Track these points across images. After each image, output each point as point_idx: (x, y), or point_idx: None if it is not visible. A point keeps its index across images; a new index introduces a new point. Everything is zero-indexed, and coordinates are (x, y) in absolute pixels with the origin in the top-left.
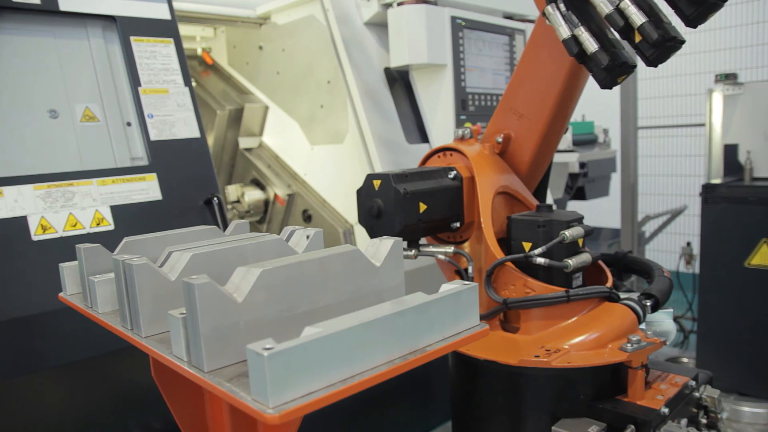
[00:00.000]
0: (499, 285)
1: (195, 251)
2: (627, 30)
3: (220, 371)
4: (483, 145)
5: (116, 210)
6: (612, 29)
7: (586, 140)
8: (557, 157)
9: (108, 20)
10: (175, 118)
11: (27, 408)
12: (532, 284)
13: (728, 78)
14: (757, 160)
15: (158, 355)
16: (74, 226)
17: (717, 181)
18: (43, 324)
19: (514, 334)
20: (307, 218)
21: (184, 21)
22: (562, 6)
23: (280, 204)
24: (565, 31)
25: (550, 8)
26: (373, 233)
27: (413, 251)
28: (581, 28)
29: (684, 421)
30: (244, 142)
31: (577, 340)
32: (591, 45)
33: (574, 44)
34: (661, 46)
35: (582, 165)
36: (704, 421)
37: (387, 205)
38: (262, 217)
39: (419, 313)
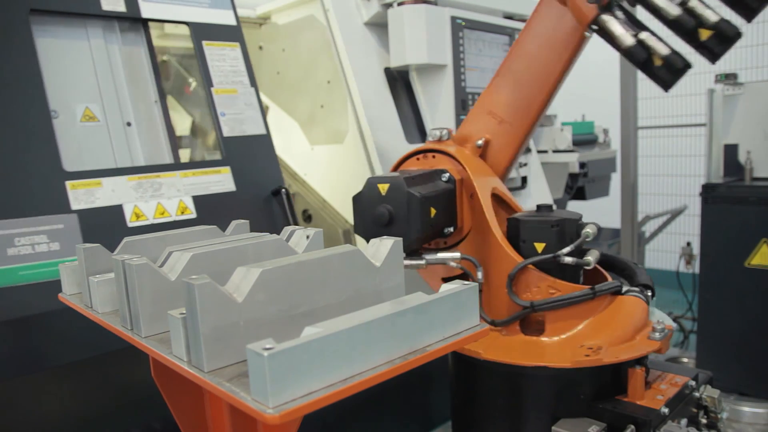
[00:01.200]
0: (518, 289)
1: (195, 251)
2: (693, 30)
3: (220, 371)
4: (465, 147)
5: (197, 200)
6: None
7: (586, 140)
8: (557, 157)
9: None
10: (244, 116)
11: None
12: (559, 284)
13: (728, 78)
14: (757, 160)
15: (158, 355)
16: (162, 214)
17: (717, 181)
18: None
19: (538, 337)
20: (307, 218)
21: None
22: (619, 13)
23: None
24: (628, 39)
25: (605, 17)
26: None
27: (423, 260)
28: (646, 32)
29: (684, 421)
30: None
31: (608, 334)
32: (663, 48)
33: (642, 50)
34: (731, 42)
35: (582, 165)
36: (704, 421)
37: (400, 212)
38: None
39: (419, 313)
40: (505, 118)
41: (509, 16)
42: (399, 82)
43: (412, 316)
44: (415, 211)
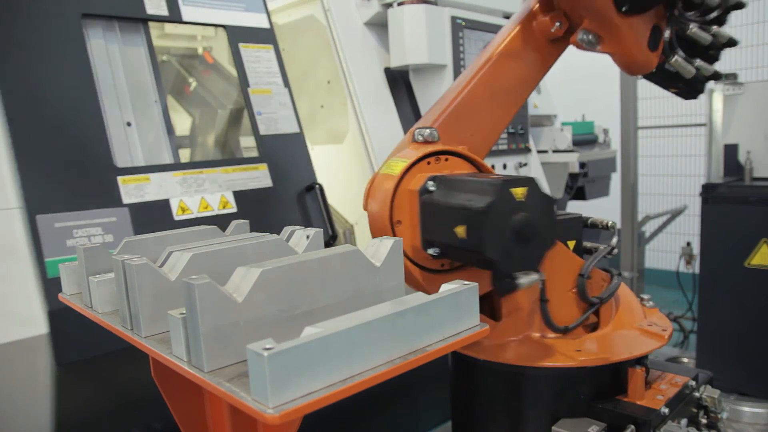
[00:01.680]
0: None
1: (195, 251)
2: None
3: (220, 371)
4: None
5: (237, 195)
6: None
7: (586, 140)
8: (557, 157)
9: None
10: (278, 116)
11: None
12: (605, 275)
13: (728, 78)
14: (757, 160)
15: (158, 355)
16: (206, 208)
17: (717, 181)
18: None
19: (606, 330)
20: None
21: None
22: (681, 51)
23: None
24: (692, 69)
25: (675, 59)
26: (519, 263)
27: (539, 273)
28: (697, 59)
29: (684, 421)
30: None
31: (638, 312)
32: (710, 67)
33: (700, 75)
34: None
35: (582, 165)
36: (704, 421)
37: (542, 220)
38: None
39: (419, 313)
40: (474, 134)
41: (509, 16)
42: (399, 82)
43: (412, 316)
44: (552, 218)
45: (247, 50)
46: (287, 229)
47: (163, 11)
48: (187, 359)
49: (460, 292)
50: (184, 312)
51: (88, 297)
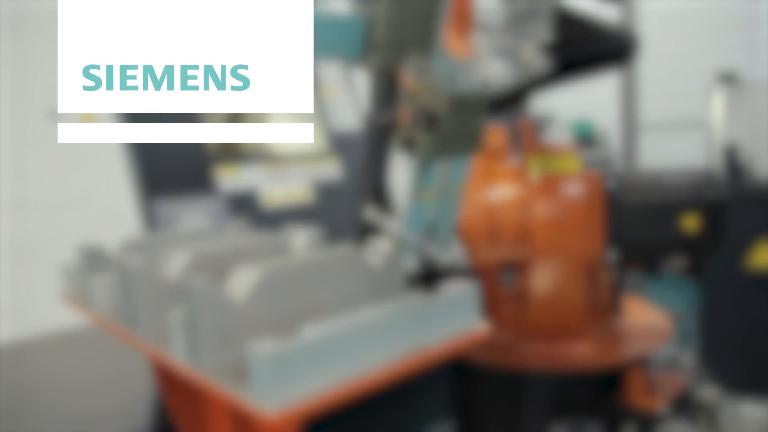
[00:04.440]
0: None
1: (195, 251)
2: None
3: (220, 371)
4: None
5: (314, 185)
6: None
7: (586, 140)
8: None
9: None
10: (346, 116)
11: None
12: None
13: (728, 78)
14: (757, 160)
15: (158, 355)
16: (288, 196)
17: (717, 181)
18: None
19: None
20: None
21: None
22: None
23: None
24: None
25: None
26: None
27: None
28: None
29: (684, 421)
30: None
31: None
32: None
33: None
34: None
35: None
36: (704, 420)
37: None
38: None
39: (419, 313)
40: None
41: None
42: None
43: (413, 316)
44: None
45: None
46: (287, 229)
47: None
48: (187, 359)
49: (460, 293)
50: (185, 312)
51: (88, 297)
